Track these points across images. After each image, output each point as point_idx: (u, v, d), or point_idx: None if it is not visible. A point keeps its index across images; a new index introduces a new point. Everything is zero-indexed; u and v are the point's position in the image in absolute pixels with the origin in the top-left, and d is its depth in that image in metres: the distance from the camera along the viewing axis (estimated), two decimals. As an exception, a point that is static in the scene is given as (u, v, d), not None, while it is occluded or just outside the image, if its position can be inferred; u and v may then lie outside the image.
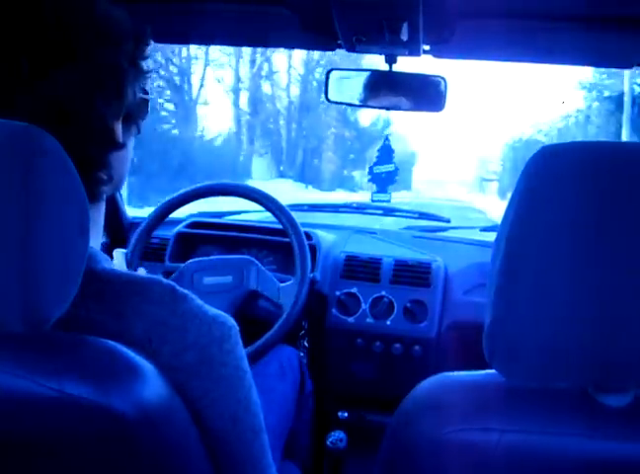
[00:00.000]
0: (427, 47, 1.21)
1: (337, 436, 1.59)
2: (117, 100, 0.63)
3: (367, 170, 1.63)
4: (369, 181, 1.65)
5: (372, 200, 1.70)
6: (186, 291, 0.64)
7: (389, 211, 2.12)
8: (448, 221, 2.04)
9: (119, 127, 0.65)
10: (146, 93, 0.72)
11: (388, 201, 1.68)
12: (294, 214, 1.40)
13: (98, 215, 0.70)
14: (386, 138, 1.62)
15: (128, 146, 0.70)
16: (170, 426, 0.57)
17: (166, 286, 0.63)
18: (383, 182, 1.64)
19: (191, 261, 1.44)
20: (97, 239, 0.70)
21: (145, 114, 0.73)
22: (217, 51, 19.76)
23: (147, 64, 0.68)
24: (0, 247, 0.50)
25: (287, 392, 1.43)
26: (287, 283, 1.38)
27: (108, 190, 0.67)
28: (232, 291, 1.39)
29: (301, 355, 1.62)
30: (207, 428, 0.62)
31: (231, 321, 0.65)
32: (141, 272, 1.16)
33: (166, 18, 1.19)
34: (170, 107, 17.63)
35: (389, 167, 1.62)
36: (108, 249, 1.80)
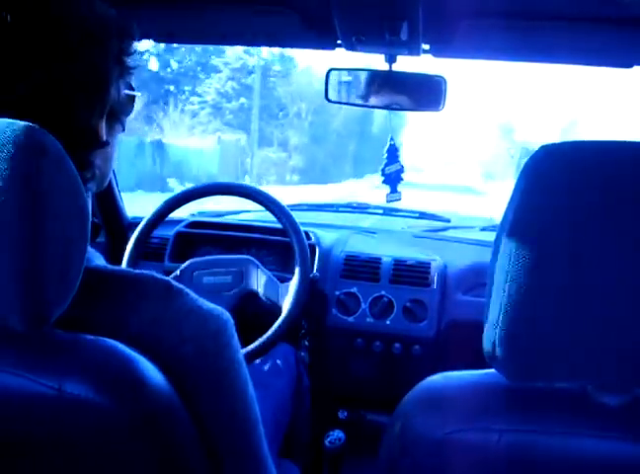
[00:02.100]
0: (426, 47, 1.21)
1: (335, 436, 1.59)
2: (99, 99, 0.63)
3: (380, 172, 1.65)
4: (383, 182, 1.67)
5: (387, 201, 1.72)
6: (181, 286, 0.64)
7: (389, 211, 2.12)
8: (448, 221, 2.04)
9: (102, 126, 0.65)
10: (132, 88, 0.72)
11: (399, 200, 1.71)
12: (294, 214, 1.40)
13: None
14: (391, 138, 1.63)
15: (113, 144, 0.70)
16: (169, 423, 0.57)
17: (161, 282, 0.63)
18: (393, 182, 1.66)
19: (191, 260, 1.44)
20: None
21: (131, 110, 0.72)
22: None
23: (133, 60, 0.68)
24: (1, 246, 0.50)
25: (284, 388, 1.44)
26: (287, 284, 1.38)
27: (92, 186, 0.67)
28: (232, 291, 1.39)
29: (302, 354, 1.62)
30: (205, 420, 0.63)
31: (226, 315, 0.66)
32: None
33: (166, 17, 1.19)
34: None
35: (396, 166, 1.64)
36: (107, 248, 1.80)
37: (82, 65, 0.60)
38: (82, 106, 0.61)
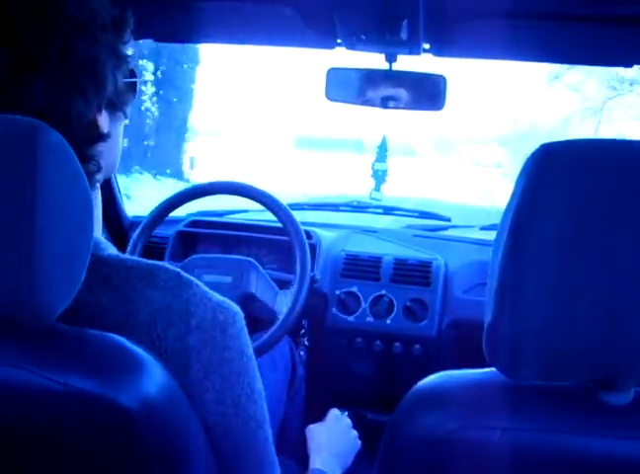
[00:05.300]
0: (427, 46, 1.21)
1: None
2: (96, 94, 0.63)
3: (370, 165, 1.65)
4: (371, 176, 1.67)
5: (370, 198, 1.72)
6: (191, 278, 0.64)
7: (390, 210, 2.12)
8: (449, 220, 2.04)
9: (102, 118, 0.65)
10: (133, 75, 0.71)
11: (379, 200, 1.71)
12: (295, 213, 1.40)
13: (95, 204, 0.71)
14: (384, 136, 1.64)
15: (115, 134, 0.69)
16: (173, 418, 0.57)
17: (171, 272, 0.63)
18: (379, 180, 1.67)
19: (193, 256, 1.44)
20: (97, 226, 0.70)
21: (132, 97, 0.71)
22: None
23: (128, 48, 0.67)
24: (6, 240, 0.50)
25: (279, 381, 1.44)
26: (285, 291, 1.37)
27: (99, 177, 0.67)
28: (231, 292, 1.38)
29: (302, 353, 1.61)
30: (209, 412, 0.63)
31: (236, 308, 0.66)
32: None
33: (166, 17, 1.19)
34: None
35: (383, 166, 1.65)
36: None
37: (75, 61, 0.60)
38: (78, 103, 0.61)
